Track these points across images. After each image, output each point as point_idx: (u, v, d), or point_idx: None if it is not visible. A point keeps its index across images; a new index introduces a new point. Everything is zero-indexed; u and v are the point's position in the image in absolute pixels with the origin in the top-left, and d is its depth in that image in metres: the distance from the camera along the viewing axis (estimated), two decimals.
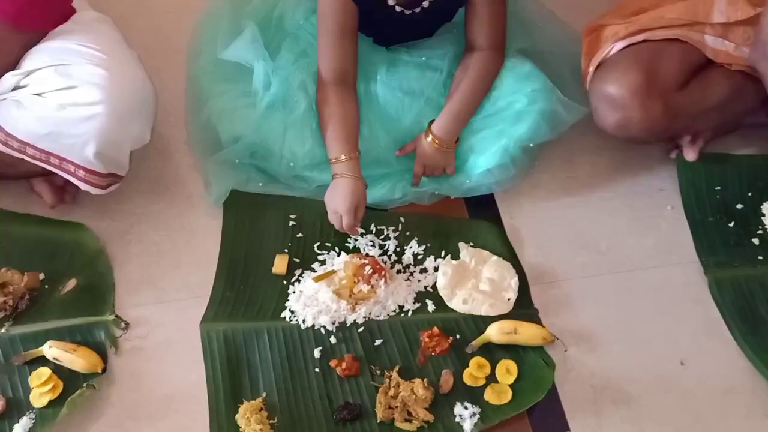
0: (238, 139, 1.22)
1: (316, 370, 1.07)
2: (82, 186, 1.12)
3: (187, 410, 1.04)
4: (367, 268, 1.13)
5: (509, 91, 1.24)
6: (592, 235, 1.25)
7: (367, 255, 1.17)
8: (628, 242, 1.24)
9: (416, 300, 1.15)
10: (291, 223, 1.23)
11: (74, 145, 1.08)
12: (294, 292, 1.14)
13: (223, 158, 1.23)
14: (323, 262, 1.18)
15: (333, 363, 1.07)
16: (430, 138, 1.22)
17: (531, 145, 1.23)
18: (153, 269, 1.18)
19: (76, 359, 1.04)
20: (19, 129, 1.09)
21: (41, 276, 1.14)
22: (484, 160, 1.23)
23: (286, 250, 1.19)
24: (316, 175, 1.23)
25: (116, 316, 1.11)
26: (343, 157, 1.17)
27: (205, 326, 1.11)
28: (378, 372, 1.07)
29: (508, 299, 1.14)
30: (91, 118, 1.06)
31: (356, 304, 1.12)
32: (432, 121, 1.24)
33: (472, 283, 1.15)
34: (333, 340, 1.10)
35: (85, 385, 1.02)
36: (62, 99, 1.05)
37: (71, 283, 1.14)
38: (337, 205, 1.15)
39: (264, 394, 1.04)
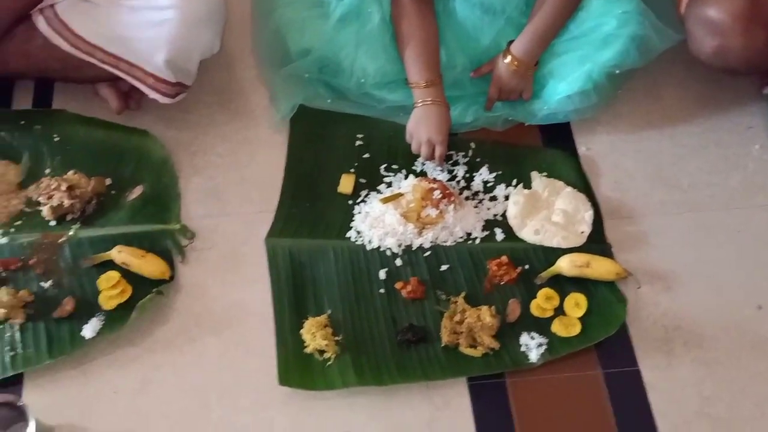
0: (308, 52, 1.17)
1: (381, 291, 1.06)
2: (151, 94, 1.10)
3: (250, 322, 1.04)
4: (436, 192, 1.09)
5: (598, 12, 1.16)
6: (673, 172, 1.18)
7: (434, 179, 1.14)
8: (711, 181, 1.17)
9: (484, 228, 1.11)
10: (358, 142, 1.19)
11: (145, 51, 1.06)
12: (360, 213, 1.12)
13: (291, 72, 1.19)
14: (389, 184, 1.15)
15: (398, 285, 1.06)
16: (508, 59, 1.16)
17: (617, 71, 1.15)
18: (217, 181, 1.17)
19: (145, 265, 1.05)
20: (89, 31, 1.06)
21: (108, 181, 1.14)
22: (564, 85, 1.17)
23: (352, 170, 1.16)
24: (386, 95, 1.19)
25: (183, 225, 1.11)
26: (430, 81, 1.12)
27: (271, 241, 1.10)
28: (443, 297, 1.05)
29: (582, 232, 1.10)
30: (162, 23, 1.03)
31: (423, 228, 1.10)
32: (511, 42, 1.17)
33: (544, 213, 1.11)
34: (398, 262, 1.08)
35: (154, 290, 1.03)
36: (137, 2, 1.03)
37: (137, 190, 1.14)
38: (431, 134, 1.11)
39: (328, 311, 1.04)
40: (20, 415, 0.89)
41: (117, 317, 1.02)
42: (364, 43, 1.16)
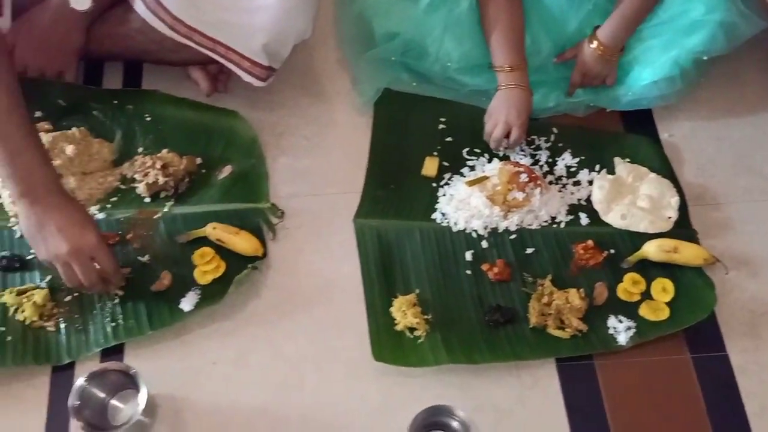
0: (394, 36, 1.18)
1: (467, 272, 1.07)
2: (245, 77, 1.12)
3: (340, 299, 1.07)
4: (523, 176, 1.10)
5: None
6: (757, 159, 1.19)
7: (518, 163, 1.15)
8: None
9: (568, 212, 1.13)
10: (441, 126, 1.21)
11: (243, 35, 1.08)
12: (444, 195, 1.14)
13: (376, 56, 1.20)
14: (473, 168, 1.17)
15: (485, 267, 1.08)
16: (594, 44, 1.16)
17: (704, 58, 1.15)
18: (303, 162, 1.19)
19: (239, 241, 1.07)
20: (188, 14, 1.08)
21: (198, 160, 1.17)
22: (650, 71, 1.16)
23: (435, 153, 1.18)
24: (469, 79, 1.20)
25: (272, 204, 1.13)
26: (514, 65, 1.13)
27: (359, 222, 1.12)
28: (530, 279, 1.07)
29: (669, 217, 1.10)
30: (262, 8, 1.05)
31: (509, 211, 1.11)
32: (597, 27, 1.17)
33: (630, 199, 1.12)
34: (484, 244, 1.10)
35: (250, 266, 1.06)
36: None
37: (227, 170, 1.16)
38: (510, 117, 1.12)
39: (416, 291, 1.06)
40: (131, 381, 0.93)
41: (213, 292, 1.05)
42: (451, 27, 1.16)
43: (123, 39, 1.15)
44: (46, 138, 1.13)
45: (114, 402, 0.97)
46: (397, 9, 1.20)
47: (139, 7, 1.10)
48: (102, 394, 0.95)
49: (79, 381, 0.92)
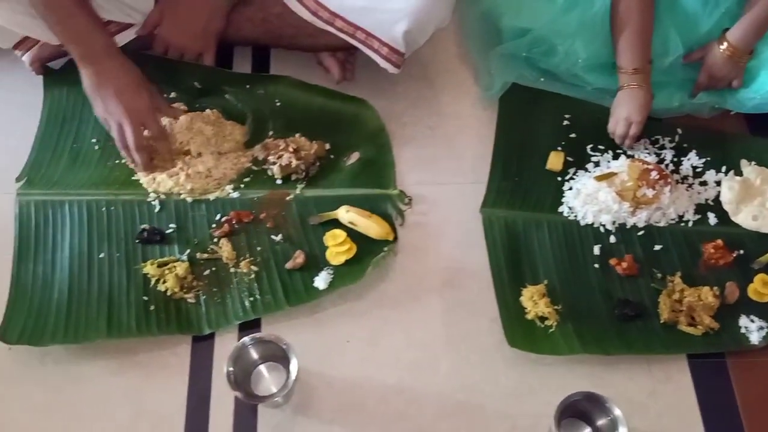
0: (525, 32, 1.20)
1: (595, 266, 1.09)
2: (382, 63, 1.15)
3: (469, 286, 1.09)
4: (653, 173, 1.11)
5: None
6: None
7: (646, 161, 1.15)
8: None
9: (696, 211, 1.14)
10: (565, 122, 1.22)
11: (386, 22, 1.10)
12: (570, 189, 1.15)
13: (503, 51, 1.22)
14: (597, 164, 1.18)
15: (613, 261, 1.09)
16: (724, 46, 1.17)
17: None
18: (428, 151, 1.22)
19: (372, 225, 1.10)
20: (335, 0, 1.12)
21: (327, 146, 1.20)
22: None
23: (559, 148, 1.20)
24: (594, 77, 1.21)
25: (401, 191, 1.16)
26: (639, 68, 1.14)
27: (486, 212, 1.14)
28: (658, 275, 1.08)
29: None
30: None
31: (637, 207, 1.12)
32: (726, 30, 1.18)
33: (759, 200, 1.12)
34: (612, 239, 1.11)
35: (385, 249, 1.08)
36: None
37: (354, 156, 1.19)
38: (630, 113, 1.14)
39: (545, 281, 1.07)
40: (275, 354, 0.96)
41: (345, 272, 1.08)
42: (585, 27, 1.18)
43: (262, 23, 1.19)
44: (183, 118, 1.18)
45: (259, 370, 1.00)
46: (529, 6, 1.22)
47: None
48: (252, 360, 0.98)
49: (242, 340, 0.94)
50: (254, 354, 0.98)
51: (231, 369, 0.93)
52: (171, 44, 1.20)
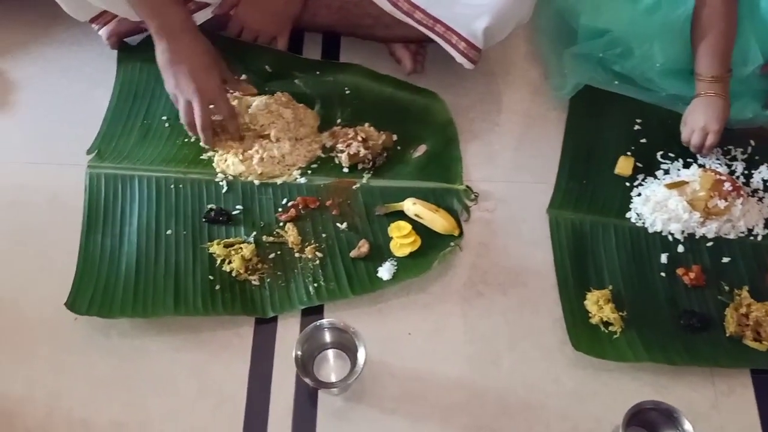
0: (603, 32, 1.19)
1: (662, 274, 1.08)
2: (458, 58, 1.14)
3: (534, 285, 1.08)
4: (727, 184, 1.10)
5: None
6: None
7: (719, 172, 1.13)
8: None
9: (766, 225, 1.12)
10: (636, 126, 1.21)
11: (467, 17, 1.10)
12: (639, 195, 1.14)
13: (581, 51, 1.21)
14: (667, 171, 1.17)
15: (680, 271, 1.08)
16: None
17: None
18: (496, 148, 1.22)
19: (438, 219, 1.09)
20: None
21: (394, 137, 1.19)
22: None
23: (629, 153, 1.19)
24: (670, 83, 1.20)
25: (467, 186, 1.15)
26: (718, 77, 1.12)
27: (553, 212, 1.14)
28: (726, 288, 1.07)
29: None
30: None
31: (707, 218, 1.10)
32: None
33: None
34: (680, 249, 1.10)
35: (452, 243, 1.08)
36: None
37: (422, 149, 1.19)
38: (708, 122, 1.12)
39: (610, 286, 1.06)
40: (346, 339, 0.96)
41: (409, 265, 1.07)
42: (666, 30, 1.16)
43: (338, 11, 1.19)
44: (260, 99, 1.17)
45: (323, 355, 1.00)
46: (608, 7, 1.20)
47: None
48: (317, 345, 0.99)
49: (312, 325, 0.94)
50: (320, 340, 0.99)
51: (299, 353, 0.94)
52: (247, 26, 1.20)
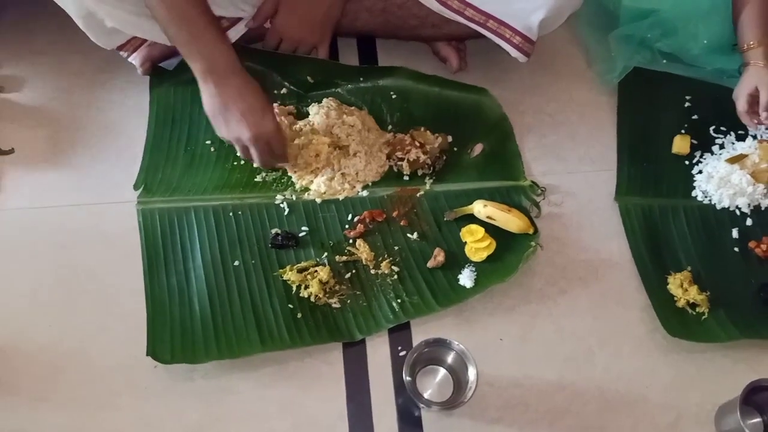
0: (647, 13, 1.18)
1: (735, 249, 1.09)
2: (513, 53, 1.11)
3: (613, 277, 1.08)
4: None
5: None
6: None
7: None
8: None
9: None
10: (686, 104, 1.21)
11: (523, 10, 1.07)
12: (701, 173, 1.15)
13: (626, 33, 1.20)
14: (722, 146, 1.17)
15: (752, 244, 1.09)
16: None
17: None
18: (551, 140, 1.20)
19: (512, 219, 1.07)
20: None
21: (449, 138, 1.16)
22: None
23: (683, 131, 1.19)
24: (715, 58, 1.19)
25: (532, 182, 1.13)
26: (760, 41, 1.11)
27: (622, 200, 1.13)
28: None
29: None
30: None
31: None
32: None
33: None
34: (749, 222, 1.11)
35: (533, 243, 1.06)
36: None
37: (478, 147, 1.16)
38: (762, 94, 1.12)
39: (688, 268, 1.07)
40: (443, 354, 0.94)
41: (488, 269, 1.05)
42: (710, 8, 1.16)
43: (381, 14, 1.14)
44: (313, 113, 1.12)
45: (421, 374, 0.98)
46: None
47: None
48: (421, 363, 0.96)
49: (418, 345, 0.92)
50: (425, 359, 0.96)
51: (409, 378, 0.91)
52: (286, 36, 1.14)
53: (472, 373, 0.91)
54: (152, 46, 1.12)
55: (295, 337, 0.98)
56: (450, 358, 0.95)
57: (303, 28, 1.14)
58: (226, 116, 0.99)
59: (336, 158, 1.09)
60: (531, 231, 1.08)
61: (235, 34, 1.12)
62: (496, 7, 1.07)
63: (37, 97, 1.18)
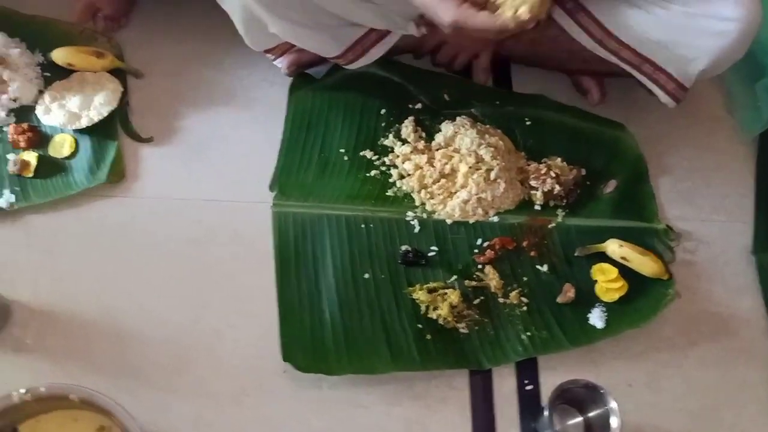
0: None
1: None
2: (663, 98, 1.08)
3: (744, 333, 1.05)
4: None
5: None
6: None
7: None
8: None
9: None
10: None
11: (684, 58, 1.03)
12: None
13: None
14: None
15: None
16: None
17: None
18: (686, 184, 1.17)
19: (647, 262, 1.05)
20: (625, 30, 1.02)
21: (583, 171, 1.14)
22: None
23: None
24: None
25: (667, 225, 1.11)
26: None
27: (761, 257, 1.09)
28: None
29: None
30: (719, 35, 0.99)
31: None
32: None
33: None
34: None
35: (671, 290, 1.03)
36: (693, 8, 0.99)
37: (611, 184, 1.14)
38: None
39: None
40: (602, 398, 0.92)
41: (619, 311, 1.03)
42: None
43: (530, 43, 1.13)
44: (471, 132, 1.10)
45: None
46: None
47: (562, 18, 1.06)
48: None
49: (560, 385, 0.90)
50: (561, 399, 0.93)
51: (547, 414, 0.90)
52: (450, 40, 1.11)
53: (614, 421, 0.88)
54: (302, 52, 1.11)
55: (426, 359, 0.97)
56: (592, 406, 0.92)
57: (470, 34, 1.05)
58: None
59: (475, 181, 1.09)
60: (665, 277, 1.05)
61: (383, 48, 1.10)
62: (655, 52, 1.03)
63: (176, 86, 1.18)
